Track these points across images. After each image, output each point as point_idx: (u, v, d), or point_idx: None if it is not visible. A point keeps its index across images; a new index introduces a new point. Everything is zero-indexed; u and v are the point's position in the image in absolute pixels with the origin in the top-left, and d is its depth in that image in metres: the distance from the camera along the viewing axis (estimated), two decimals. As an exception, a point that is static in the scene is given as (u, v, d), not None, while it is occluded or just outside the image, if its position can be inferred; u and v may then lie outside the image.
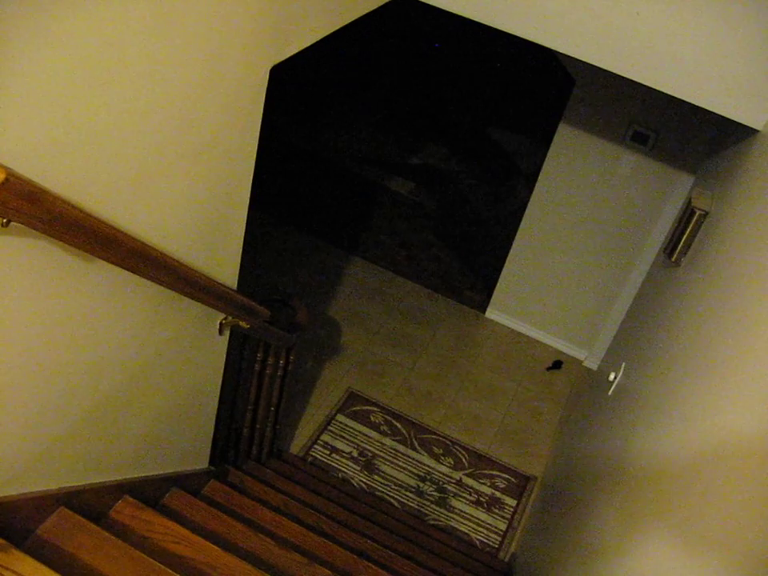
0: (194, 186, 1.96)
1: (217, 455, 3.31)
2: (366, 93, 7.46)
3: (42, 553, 1.92)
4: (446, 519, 4.03)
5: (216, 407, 2.98)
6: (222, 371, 2.84)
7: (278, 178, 6.18)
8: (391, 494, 4.08)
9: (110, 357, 1.97)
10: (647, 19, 2.12)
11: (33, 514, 1.94)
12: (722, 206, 2.32)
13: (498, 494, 4.23)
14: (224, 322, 2.55)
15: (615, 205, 4.54)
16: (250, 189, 2.29)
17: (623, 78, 2.25)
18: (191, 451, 2.96)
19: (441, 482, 4.21)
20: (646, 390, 2.36)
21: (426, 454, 4.35)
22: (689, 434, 1.77)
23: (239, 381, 3.28)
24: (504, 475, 4.34)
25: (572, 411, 4.61)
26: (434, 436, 4.47)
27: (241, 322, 2.62)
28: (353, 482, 4.10)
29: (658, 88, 2.22)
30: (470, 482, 4.25)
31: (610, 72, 2.27)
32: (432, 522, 3.99)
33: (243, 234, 2.41)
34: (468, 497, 4.17)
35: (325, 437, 4.31)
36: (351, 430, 4.38)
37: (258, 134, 2.18)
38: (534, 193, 4.77)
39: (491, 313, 5.42)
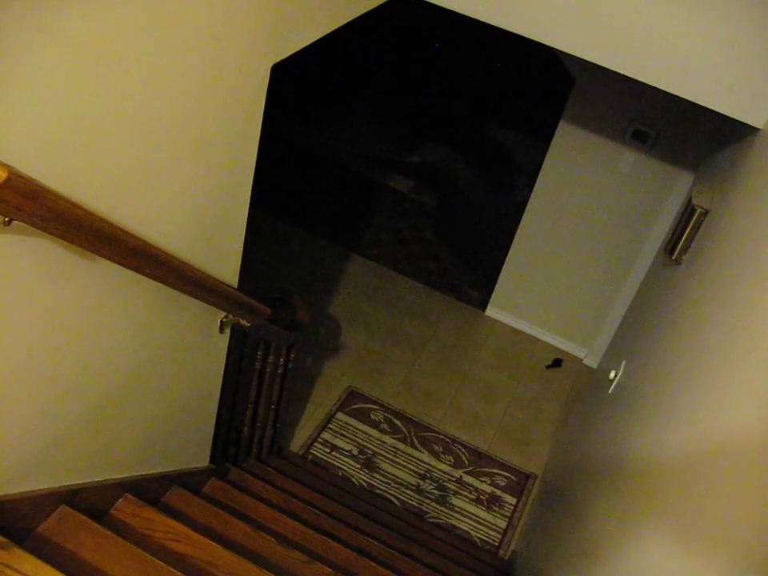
0: (195, 185, 1.96)
1: (217, 453, 3.31)
2: (367, 91, 7.46)
3: (43, 551, 1.92)
4: (446, 517, 4.03)
5: (217, 405, 2.98)
6: (222, 369, 2.84)
7: (279, 176, 6.18)
8: (391, 492, 4.09)
9: (112, 355, 1.97)
10: (648, 17, 2.12)
11: (34, 512, 1.94)
12: (722, 204, 2.32)
13: (498, 491, 4.23)
14: (225, 320, 2.56)
15: (615, 203, 4.54)
16: (251, 187, 2.29)
17: (623, 76, 2.25)
18: (192, 449, 2.96)
19: (441, 480, 4.21)
20: (647, 388, 2.36)
21: (426, 451, 4.35)
22: (689, 432, 1.77)
23: (239, 379, 3.28)
24: (504, 473, 4.34)
25: (572, 409, 4.62)
26: (434, 434, 4.47)
27: (241, 320, 2.62)
28: (353, 479, 4.11)
29: (658, 86, 2.22)
30: (470, 479, 4.25)
31: (610, 70, 2.27)
32: (432, 520, 4.00)
33: (244, 232, 2.41)
34: (468, 495, 4.17)
35: (325, 435, 4.31)
36: (351, 428, 4.38)
37: (258, 132, 2.18)
38: (533, 191, 4.77)
39: (491, 311, 5.42)
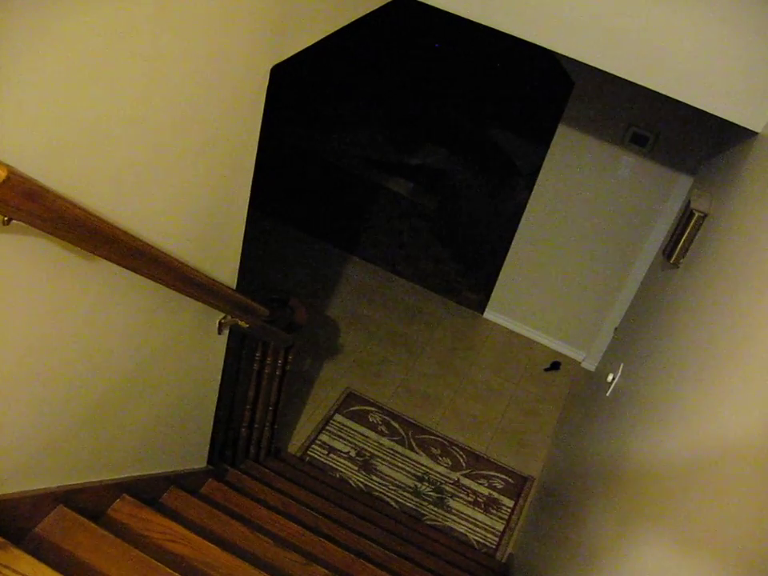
0: (195, 185, 1.96)
1: (215, 454, 3.31)
2: (366, 93, 7.46)
3: (40, 551, 1.92)
4: (444, 519, 4.03)
5: (215, 406, 2.98)
6: (220, 370, 2.84)
7: (278, 178, 6.19)
8: (389, 494, 4.09)
9: (110, 355, 1.97)
10: (647, 21, 2.12)
11: (31, 512, 1.94)
12: (721, 208, 2.32)
13: (495, 494, 4.23)
14: (223, 321, 2.56)
15: (614, 206, 4.54)
16: (250, 188, 2.30)
17: (622, 79, 2.26)
18: (189, 450, 2.96)
19: (438, 483, 4.21)
20: (645, 391, 2.36)
21: (423, 454, 4.35)
22: (687, 435, 1.77)
23: (238, 380, 3.28)
24: (501, 476, 4.34)
25: (570, 412, 4.62)
26: (431, 436, 4.47)
27: (240, 322, 2.62)
28: (350, 481, 4.11)
29: (657, 90, 2.23)
30: (467, 482, 4.25)
31: (609, 73, 2.27)
32: (429, 523, 4.00)
33: (243, 234, 2.41)
34: (465, 497, 4.17)
35: (323, 437, 4.31)
36: (349, 430, 4.38)
37: (258, 134, 2.18)
38: (532, 194, 4.78)
39: (489, 313, 5.42)
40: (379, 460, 4.25)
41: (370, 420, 4.47)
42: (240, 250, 2.46)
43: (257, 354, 3.23)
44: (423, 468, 4.27)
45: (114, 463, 2.33)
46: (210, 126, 1.89)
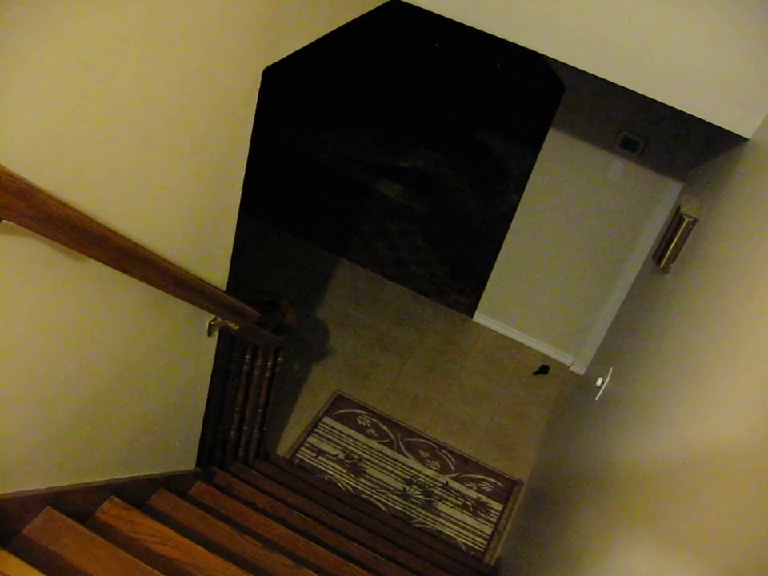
0: (186, 187, 1.96)
1: (204, 457, 3.29)
2: (357, 95, 7.46)
3: (27, 553, 1.91)
4: (432, 523, 4.03)
5: (204, 408, 2.97)
6: (210, 372, 2.84)
7: (269, 180, 6.18)
8: (377, 497, 4.08)
9: (99, 357, 1.96)
10: (639, 26, 2.13)
11: (19, 513, 1.93)
12: (710, 214, 2.33)
13: (484, 497, 4.23)
14: (213, 323, 2.55)
15: (604, 210, 4.56)
16: (241, 190, 2.29)
17: (614, 84, 2.27)
18: (178, 452, 2.95)
19: (427, 486, 4.21)
20: (634, 395, 2.37)
21: (412, 457, 4.35)
22: (675, 439, 1.78)
23: (227, 382, 3.27)
24: (490, 479, 4.34)
25: (559, 416, 4.63)
26: (420, 439, 4.47)
27: (230, 324, 2.61)
28: (339, 484, 4.10)
29: (648, 95, 2.24)
30: (456, 485, 4.25)
31: (600, 78, 2.28)
32: (418, 526, 3.99)
33: (234, 235, 2.41)
34: (454, 500, 4.17)
35: (312, 439, 4.30)
36: (338, 433, 4.37)
37: (249, 136, 2.18)
38: (523, 198, 4.79)
39: (479, 317, 5.43)
40: (368, 463, 4.25)
41: (359, 423, 4.47)
42: (231, 252, 2.46)
43: (246, 356, 3.23)
44: (412, 471, 4.27)
45: (102, 465, 2.32)
46: (202, 127, 1.89)
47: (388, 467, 4.25)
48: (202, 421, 3.03)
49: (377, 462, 4.27)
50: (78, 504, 2.18)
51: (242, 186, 2.28)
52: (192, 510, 2.68)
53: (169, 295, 2.07)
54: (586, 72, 2.30)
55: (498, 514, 4.17)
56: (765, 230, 1.69)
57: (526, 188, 4.75)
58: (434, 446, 4.45)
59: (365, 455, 4.29)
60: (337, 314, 5.18)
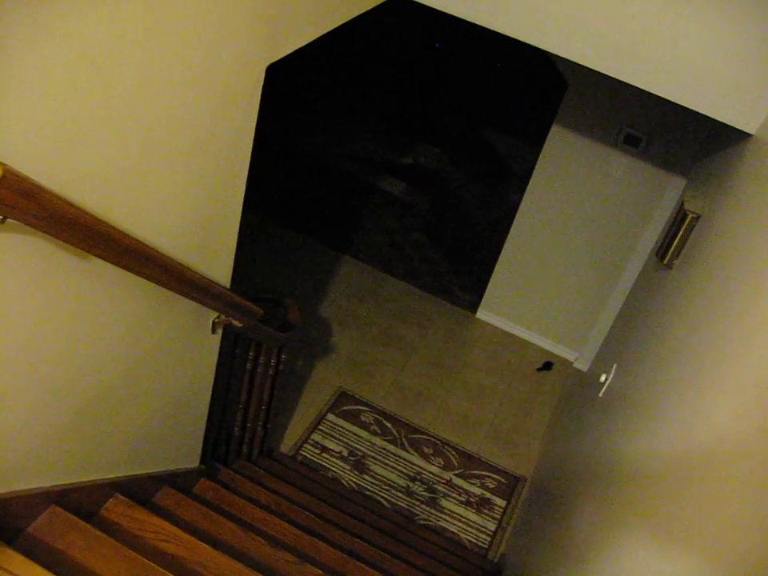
0: (189, 185, 1.96)
1: (208, 454, 3.30)
2: (360, 92, 7.46)
3: (33, 551, 1.91)
4: (436, 519, 4.03)
5: (208, 406, 2.98)
6: (214, 370, 2.84)
7: (272, 177, 6.18)
8: (381, 494, 4.09)
9: (104, 354, 1.97)
10: (642, 22, 2.13)
11: (24, 511, 1.93)
12: (714, 209, 2.33)
13: (487, 494, 4.24)
14: (217, 320, 2.55)
15: (607, 207, 4.55)
16: (244, 187, 2.29)
17: (616, 80, 2.26)
18: (182, 450, 2.95)
19: (431, 482, 4.21)
20: (638, 392, 2.36)
21: (416, 453, 4.35)
22: (679, 436, 1.78)
23: (231, 379, 3.28)
24: (494, 475, 4.34)
25: (562, 412, 4.63)
26: (424, 436, 4.47)
27: (234, 321, 2.62)
28: (343, 481, 4.10)
29: (651, 91, 2.23)
30: (459, 482, 4.26)
31: (603, 74, 2.28)
32: (422, 522, 4.00)
33: (237, 233, 2.41)
34: (458, 497, 4.18)
35: (315, 436, 4.31)
36: (341, 430, 4.38)
37: (253, 133, 2.18)
38: (525, 194, 4.78)
39: (482, 313, 5.43)
40: (371, 459, 4.25)
41: (363, 419, 4.47)
42: (234, 249, 2.46)
43: (250, 354, 3.23)
44: (415, 468, 4.27)
45: (107, 462, 2.32)
46: (205, 125, 1.89)
47: (391, 464, 4.25)
48: (206, 418, 3.04)
49: (380, 458, 4.27)
50: (82, 502, 2.18)
51: (245, 183, 2.28)
52: (196, 507, 2.69)
53: (173, 293, 2.07)
54: (588, 68, 2.29)
55: (501, 510, 4.18)
56: (769, 227, 1.68)
57: (529, 184, 4.74)
58: (438, 442, 4.45)
59: (368, 452, 4.29)
60: (340, 311, 5.18)
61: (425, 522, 4.00)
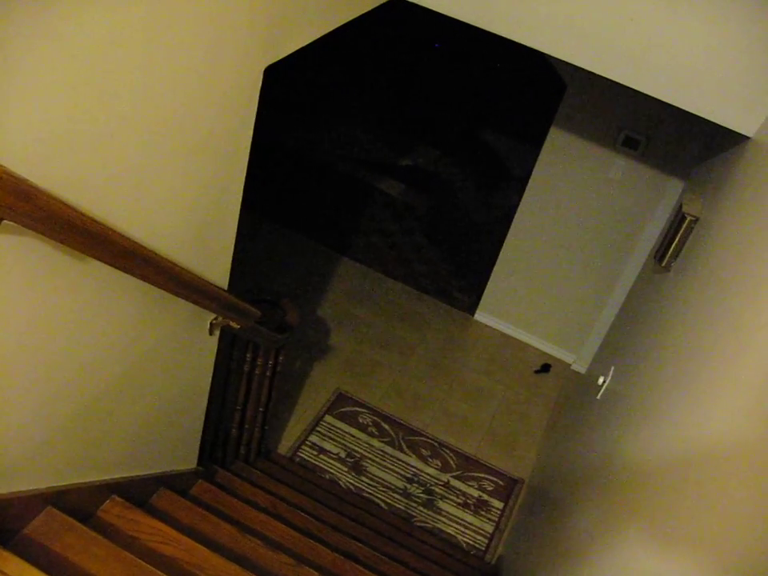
0: (187, 186, 1.96)
1: (205, 455, 3.30)
2: (359, 94, 7.46)
3: (28, 552, 1.91)
4: (433, 521, 4.03)
5: (205, 407, 2.97)
6: (211, 371, 2.84)
7: (270, 178, 6.18)
8: (379, 496, 4.08)
9: (100, 356, 1.96)
10: (641, 25, 2.13)
11: (20, 513, 1.93)
12: (712, 212, 2.33)
13: (485, 496, 4.23)
14: (214, 322, 2.55)
15: (605, 209, 4.55)
16: (242, 189, 2.29)
17: (615, 82, 2.26)
18: (179, 451, 2.95)
19: (428, 484, 4.21)
20: (635, 394, 2.36)
21: (413, 455, 4.35)
22: (677, 438, 1.78)
23: (228, 381, 3.27)
24: (491, 478, 4.34)
25: (560, 414, 4.63)
26: (421, 438, 4.47)
27: (231, 323, 2.61)
28: (340, 483, 4.10)
29: (650, 93, 2.23)
30: (457, 484, 4.25)
31: (601, 77, 2.28)
32: (419, 524, 3.99)
33: (235, 234, 2.41)
34: (455, 499, 4.17)
35: (313, 437, 4.30)
36: (339, 431, 4.37)
37: (251, 134, 2.18)
38: (524, 196, 4.78)
39: (480, 315, 5.43)
40: (369, 461, 4.25)
41: (360, 421, 4.47)
42: (232, 251, 2.46)
43: (247, 355, 3.23)
44: (413, 469, 4.27)
45: (103, 464, 2.32)
46: (203, 126, 1.88)
47: (389, 466, 4.25)
48: (203, 419, 3.03)
49: (378, 460, 4.27)
50: (79, 503, 2.18)
51: (243, 185, 2.28)
52: (193, 508, 2.68)
53: (170, 295, 2.07)
54: (587, 70, 2.29)
55: (499, 512, 4.17)
56: (767, 229, 1.68)
57: (528, 186, 4.74)
58: (436, 444, 4.45)
59: (366, 454, 4.29)
60: (338, 313, 5.18)
61: (422, 524, 4.00)
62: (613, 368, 2.93)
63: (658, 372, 2.19)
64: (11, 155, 1.28)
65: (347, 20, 2.33)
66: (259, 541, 2.68)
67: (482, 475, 4.34)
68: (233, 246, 2.44)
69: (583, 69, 2.29)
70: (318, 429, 4.36)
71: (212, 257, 2.34)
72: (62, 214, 1.40)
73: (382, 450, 4.33)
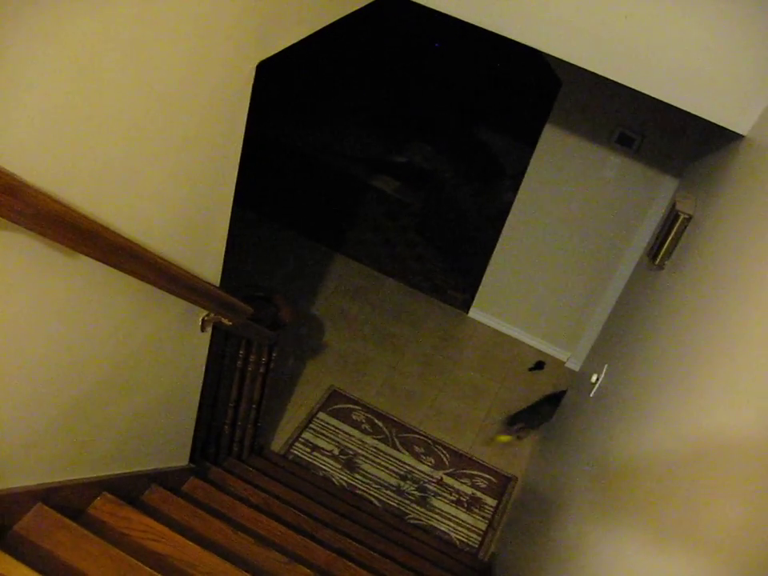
0: (178, 182, 1.95)
1: (197, 452, 3.29)
2: (353, 90, 7.45)
3: (19, 550, 1.90)
4: (427, 518, 4.03)
5: (197, 404, 2.97)
6: (203, 368, 2.83)
7: (264, 175, 6.16)
8: (372, 493, 4.08)
9: (91, 352, 1.95)
10: (635, 23, 2.12)
11: (10, 510, 1.92)
12: (706, 211, 2.33)
13: (478, 493, 4.23)
14: (206, 318, 2.54)
15: (600, 207, 4.55)
16: (234, 185, 2.28)
17: (610, 80, 2.26)
18: (171, 448, 2.94)
19: (421, 481, 4.21)
20: (629, 391, 2.36)
21: (407, 452, 4.35)
22: (670, 435, 1.78)
23: (221, 378, 3.27)
24: (485, 475, 4.34)
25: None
26: (415, 435, 4.47)
27: (223, 319, 2.60)
28: (333, 480, 4.10)
29: (644, 91, 2.23)
30: (450, 481, 4.25)
31: (596, 74, 2.27)
32: (412, 522, 3.99)
33: (227, 231, 2.40)
34: (448, 496, 4.17)
35: (306, 434, 4.30)
36: (333, 428, 4.37)
37: (243, 131, 2.17)
38: (518, 193, 4.78)
39: (474, 312, 5.42)
40: (362, 458, 4.24)
41: (354, 418, 4.46)
42: (224, 247, 2.45)
43: (240, 352, 3.22)
44: (406, 467, 4.27)
45: (94, 461, 2.31)
46: (194, 122, 1.88)
47: (382, 463, 4.25)
48: (195, 416, 3.02)
49: (371, 457, 4.26)
50: (69, 500, 2.17)
51: (235, 181, 2.27)
52: (185, 506, 2.68)
53: (161, 291, 2.06)
54: (582, 68, 2.29)
55: (492, 509, 4.17)
56: (760, 227, 1.68)
57: (522, 183, 4.74)
58: (429, 441, 4.45)
59: (359, 451, 4.28)
60: (332, 309, 5.17)
61: (415, 522, 4.00)
62: (606, 365, 2.93)
63: (651, 369, 2.19)
64: (-1, 150, 1.27)
65: (341, 16, 2.33)
66: (251, 538, 2.67)
67: (476, 472, 4.34)
68: (225, 242, 2.43)
69: (578, 66, 2.29)
70: (312, 426, 4.35)
71: (204, 253, 2.33)
72: (50, 209, 1.39)
73: (375, 447, 4.32)
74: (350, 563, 2.97)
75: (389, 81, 7.46)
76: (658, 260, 2.59)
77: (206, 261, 2.36)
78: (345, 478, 4.12)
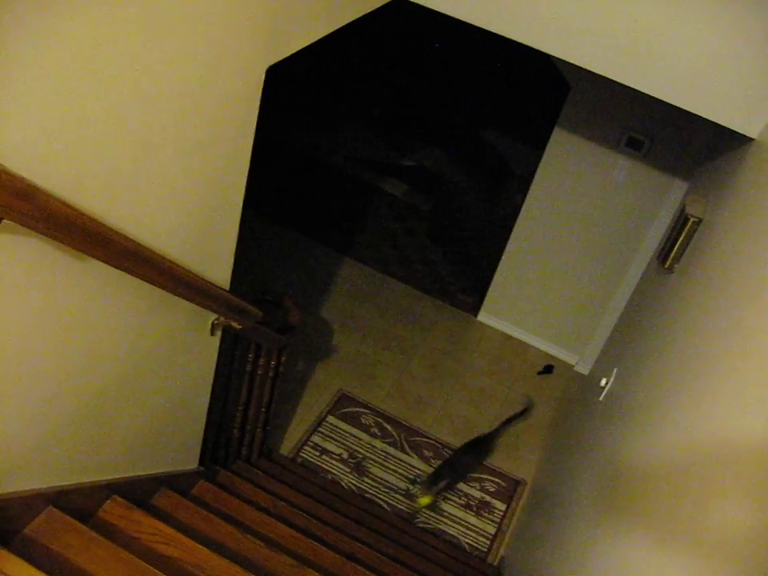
0: (189, 186, 1.95)
1: (206, 455, 3.29)
2: (362, 94, 7.45)
3: (29, 552, 1.91)
4: (436, 522, 4.02)
5: (207, 407, 2.97)
6: (213, 371, 2.83)
7: (272, 178, 6.17)
8: (381, 497, 4.08)
9: (102, 356, 1.96)
10: (644, 26, 2.12)
11: (21, 513, 1.93)
12: (715, 214, 2.32)
13: (487, 497, 4.22)
14: (216, 322, 2.55)
15: (609, 210, 4.54)
16: (244, 189, 2.29)
17: (619, 83, 2.26)
18: (181, 451, 2.95)
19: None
20: (638, 395, 2.36)
21: (416, 456, 4.35)
22: (680, 439, 1.77)
23: (230, 381, 3.27)
24: (494, 479, 4.33)
25: (563, 416, 4.62)
26: (424, 439, 4.46)
27: (233, 323, 2.61)
28: (342, 483, 4.10)
29: (653, 95, 2.22)
30: (459, 485, 4.24)
31: (605, 78, 2.27)
32: (421, 525, 3.99)
33: (237, 235, 2.40)
34: (458, 500, 4.17)
35: (315, 438, 4.30)
36: (341, 432, 4.37)
37: (253, 134, 2.17)
38: (527, 197, 4.77)
39: (483, 316, 5.42)
40: (371, 462, 4.24)
41: (363, 422, 4.46)
42: (234, 251, 2.46)
43: (249, 355, 3.22)
44: (416, 470, 4.26)
45: (104, 464, 2.32)
46: (205, 126, 1.88)
47: (391, 466, 4.25)
48: (204, 420, 3.03)
49: (380, 461, 4.26)
50: (80, 503, 2.17)
51: (245, 185, 2.27)
52: (194, 509, 2.68)
53: (171, 295, 2.06)
54: (591, 71, 2.29)
55: (501, 513, 4.16)
56: (770, 231, 1.68)
57: (531, 187, 4.73)
58: (438, 445, 4.44)
59: (368, 454, 4.28)
60: (341, 313, 5.17)
61: (424, 525, 3.99)
62: (616, 369, 2.92)
63: (661, 373, 2.18)
64: (11, 155, 1.28)
65: (349, 20, 2.33)
66: (260, 541, 2.67)
67: (485, 476, 4.33)
68: (234, 246, 2.43)
69: (587, 70, 2.29)
70: (320, 429, 4.35)
71: (214, 257, 2.33)
72: (62, 213, 1.39)
73: (384, 451, 4.32)
74: (360, 567, 2.97)
75: (397, 84, 7.46)
76: (668, 263, 2.58)
77: (216, 264, 2.37)
78: (354, 482, 4.11)
